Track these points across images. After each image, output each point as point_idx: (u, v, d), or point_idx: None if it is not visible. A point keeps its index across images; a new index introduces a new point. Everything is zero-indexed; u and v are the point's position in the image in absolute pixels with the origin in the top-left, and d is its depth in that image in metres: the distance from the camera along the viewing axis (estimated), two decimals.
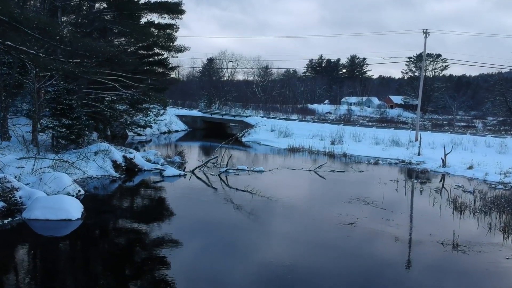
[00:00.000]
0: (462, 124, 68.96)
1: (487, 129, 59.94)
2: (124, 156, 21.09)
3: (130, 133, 38.11)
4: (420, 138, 31.42)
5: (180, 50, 29.87)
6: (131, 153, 21.71)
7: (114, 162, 20.40)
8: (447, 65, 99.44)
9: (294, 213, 14.99)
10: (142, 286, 9.24)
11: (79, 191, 15.58)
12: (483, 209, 16.16)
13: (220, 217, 14.30)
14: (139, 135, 39.30)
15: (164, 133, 44.09)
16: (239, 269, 10.34)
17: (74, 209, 12.90)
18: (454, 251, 11.59)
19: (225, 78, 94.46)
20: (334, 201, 16.75)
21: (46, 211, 12.65)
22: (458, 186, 20.77)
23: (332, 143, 34.89)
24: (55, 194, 14.11)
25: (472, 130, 52.57)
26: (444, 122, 70.97)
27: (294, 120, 48.56)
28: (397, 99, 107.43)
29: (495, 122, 72.48)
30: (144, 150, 31.37)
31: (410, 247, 12.04)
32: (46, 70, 20.24)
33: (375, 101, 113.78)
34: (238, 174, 21.51)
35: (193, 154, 30.62)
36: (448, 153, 26.22)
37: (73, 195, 14.87)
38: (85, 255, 10.85)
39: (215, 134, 44.72)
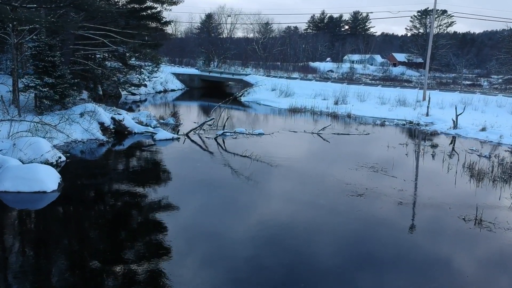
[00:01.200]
0: (467, 82, 66.84)
1: (493, 88, 57.95)
2: (112, 118, 19.53)
3: (123, 93, 36.37)
4: (429, 98, 29.73)
5: (173, 2, 27.72)
6: (120, 114, 20.14)
7: (101, 125, 18.86)
8: (453, 22, 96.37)
9: (296, 180, 13.60)
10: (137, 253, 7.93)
11: (60, 157, 14.12)
12: (503, 176, 14.77)
13: (215, 183, 12.95)
14: (133, 94, 37.55)
15: (160, 92, 42.30)
16: (237, 229, 9.74)
17: (49, 180, 11.47)
18: (478, 229, 10.21)
19: (224, 35, 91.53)
20: (339, 168, 15.30)
21: (18, 182, 11.22)
22: (472, 150, 19.32)
23: (336, 103, 33.22)
24: (30, 162, 12.66)
25: (478, 89, 50.68)
26: (449, 81, 68.77)
27: (295, 78, 46.59)
28: (400, 56, 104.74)
29: (500, 80, 70.33)
30: (139, 110, 29.86)
31: (429, 225, 10.66)
32: (27, 22, 18.43)
33: (378, 59, 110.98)
34: (235, 138, 20.01)
35: (189, 115, 29.05)
36: (460, 114, 24.62)
37: (52, 163, 13.44)
38: (61, 230, 9.49)
39: (213, 94, 42.94)
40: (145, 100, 37.28)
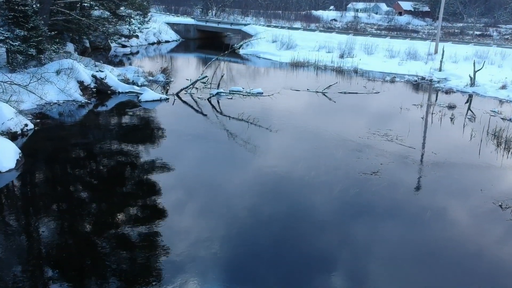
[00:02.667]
0: (477, 33, 63.60)
1: (504, 39, 54.96)
2: (93, 76, 17.44)
3: (113, 45, 33.91)
4: (443, 51, 27.36)
5: None
6: (102, 71, 18.01)
7: (80, 84, 16.79)
8: None
9: (297, 149, 11.76)
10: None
11: (26, 125, 12.22)
12: None
13: (207, 153, 11.13)
14: (124, 46, 35.04)
15: (153, 44, 39.61)
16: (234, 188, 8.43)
17: (5, 157, 9.61)
18: None
19: None
20: (348, 137, 13.36)
21: None
22: (494, 112, 17.35)
23: (341, 57, 30.82)
24: None
25: (489, 40, 47.89)
26: (456, 31, 65.49)
27: (297, 29, 43.74)
28: (406, 5, 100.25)
29: (511, 31, 66.97)
30: (130, 64, 27.66)
31: (461, 215, 8.91)
32: None
33: (383, 7, 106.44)
34: (231, 98, 17.99)
35: (182, 70, 26.84)
36: (478, 70, 22.40)
37: (15, 132, 11.57)
38: (11, 219, 7.75)
39: (210, 45, 40.35)
40: (137, 52, 34.82)
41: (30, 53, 17.58)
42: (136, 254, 6.90)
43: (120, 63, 28.18)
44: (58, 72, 16.41)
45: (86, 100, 16.09)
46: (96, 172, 10.47)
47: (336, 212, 8.73)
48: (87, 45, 30.09)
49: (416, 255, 7.25)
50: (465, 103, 19.53)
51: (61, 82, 16.04)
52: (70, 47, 25.38)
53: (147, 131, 13.65)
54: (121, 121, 14.78)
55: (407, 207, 8.89)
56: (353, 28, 54.83)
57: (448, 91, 21.97)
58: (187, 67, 28.96)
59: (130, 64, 27.62)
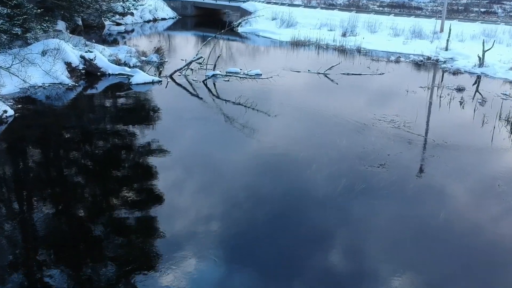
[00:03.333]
0: (482, 10, 61.86)
1: (509, 16, 53.45)
2: (82, 57, 16.46)
3: (107, 23, 32.67)
4: (450, 30, 26.21)
5: None
6: (92, 52, 17.00)
7: (68, 65, 15.84)
8: None
9: (297, 136, 10.91)
10: None
11: (5, 111, 11.33)
12: None
13: (202, 137, 10.33)
14: (118, 24, 33.77)
15: (149, 21, 38.24)
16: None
17: None
18: None
19: None
20: (352, 123, 12.46)
21: None
22: (506, 95, 16.42)
23: (344, 35, 29.65)
24: None
25: (494, 17, 46.45)
26: (460, 8, 63.77)
27: (298, 6, 42.36)
28: None
29: None
30: (125, 43, 26.56)
31: (479, 216, 8.11)
32: None
33: None
34: (228, 80, 17.03)
35: (177, 50, 25.80)
36: (488, 50, 21.36)
37: None
38: None
39: (208, 23, 39.00)
40: (132, 31, 33.59)
41: (15, 32, 16.57)
42: (133, 234, 6.79)
43: (114, 42, 27.09)
44: (43, 53, 15.43)
45: (74, 83, 15.15)
46: (80, 161, 9.64)
47: (337, 192, 8.37)
48: (80, 23, 28.92)
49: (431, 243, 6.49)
50: (474, 84, 18.58)
51: (47, 63, 15.06)
52: (61, 25, 24.22)
53: (137, 117, 12.76)
54: (109, 106, 13.89)
55: (416, 208, 8.09)
56: (355, 5, 53.24)
57: (456, 72, 20.98)
58: (183, 46, 27.85)
59: (125, 43, 26.52)
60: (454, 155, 10.31)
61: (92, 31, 29.66)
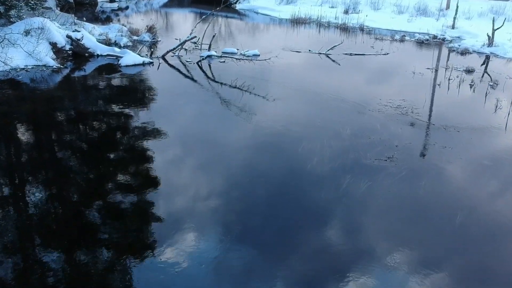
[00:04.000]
0: None
1: None
2: (68, 37, 15.46)
3: (100, 0, 31.50)
4: (457, 6, 25.06)
5: None
6: (79, 31, 15.99)
7: (53, 46, 14.86)
8: None
9: (297, 125, 10.04)
10: None
11: None
12: None
13: (194, 124, 9.45)
14: (112, 1, 32.64)
15: None
16: None
17: None
18: None
19: None
20: (356, 110, 11.56)
21: None
22: None
23: (346, 12, 28.51)
24: None
25: None
26: None
27: None
28: None
29: None
30: (118, 21, 25.45)
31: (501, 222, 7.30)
32: None
33: None
34: (224, 61, 16.07)
35: (171, 28, 24.70)
36: (498, 28, 20.32)
37: None
38: None
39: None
40: (126, 8, 32.38)
41: None
42: (129, 215, 6.42)
43: (106, 20, 26.01)
44: (26, 33, 14.43)
45: (59, 65, 14.18)
46: (70, 145, 8.81)
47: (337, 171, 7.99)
48: (71, 0, 27.76)
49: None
50: (483, 65, 17.65)
51: (30, 44, 14.09)
52: (50, 2, 23.10)
53: (124, 101, 11.82)
54: (96, 90, 12.93)
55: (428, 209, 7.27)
56: None
57: (464, 52, 19.98)
58: (178, 24, 26.75)
59: (118, 21, 25.40)
60: (467, 145, 9.47)
61: (84, 9, 28.51)
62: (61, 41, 15.14)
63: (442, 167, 8.27)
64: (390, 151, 8.74)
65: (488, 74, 15.95)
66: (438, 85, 14.29)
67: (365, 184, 7.41)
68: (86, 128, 9.99)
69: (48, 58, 14.16)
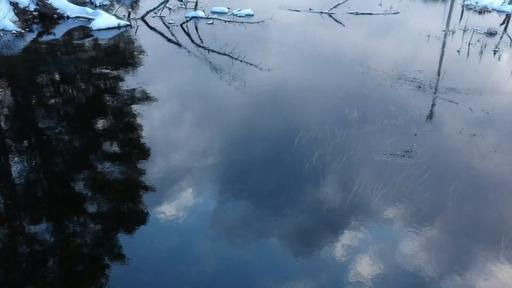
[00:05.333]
0: None
1: None
2: None
3: None
4: None
5: None
6: None
7: (15, 6, 12.90)
8: None
9: (294, 106, 8.36)
10: None
11: None
12: None
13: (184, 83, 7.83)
14: None
15: None
16: None
17: None
18: None
19: None
20: (364, 85, 9.77)
21: None
22: None
23: None
24: None
25: None
26: None
27: None
28: None
29: None
30: None
31: None
32: None
33: None
34: (212, 23, 14.11)
35: None
36: None
37: None
38: None
39: None
40: None
41: None
42: (120, 181, 5.72)
43: None
44: None
45: (20, 30, 12.27)
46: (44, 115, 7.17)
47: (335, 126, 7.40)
48: None
49: None
50: (502, 24, 15.70)
51: None
52: None
53: (96, 67, 10.04)
54: (62, 58, 11.09)
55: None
56: None
57: (482, 10, 17.98)
58: None
59: None
60: (503, 133, 7.78)
61: None
62: (25, 0, 13.16)
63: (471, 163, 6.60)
64: (408, 143, 7.06)
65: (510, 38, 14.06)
66: (458, 51, 12.44)
67: (363, 141, 5.81)
68: (60, 94, 8.28)
69: (7, 21, 12.22)
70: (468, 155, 6.79)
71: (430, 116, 8.13)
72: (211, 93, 8.76)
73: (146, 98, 8.28)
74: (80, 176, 5.72)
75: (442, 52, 12.21)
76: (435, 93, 9.15)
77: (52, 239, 4.60)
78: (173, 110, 8.02)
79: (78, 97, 8.66)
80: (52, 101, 8.25)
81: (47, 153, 6.44)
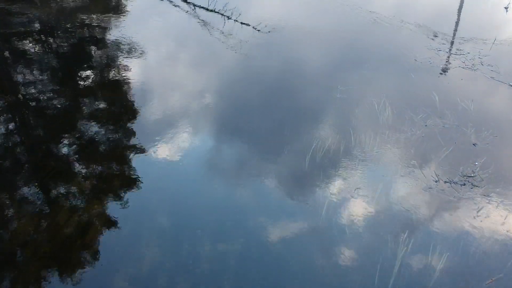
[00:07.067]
0: None
1: None
2: None
3: None
4: None
5: None
6: None
7: None
8: None
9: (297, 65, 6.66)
10: None
11: None
12: None
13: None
14: None
15: None
16: None
17: None
18: None
19: None
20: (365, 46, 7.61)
21: None
22: None
23: None
24: None
25: None
26: None
27: None
28: None
29: None
30: None
31: None
32: None
33: None
34: None
35: None
36: None
37: None
38: None
39: None
40: None
41: None
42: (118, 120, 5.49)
43: None
44: None
45: None
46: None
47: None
48: None
49: None
50: None
51: None
52: None
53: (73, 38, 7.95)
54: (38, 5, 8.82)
55: None
56: None
57: None
58: None
59: None
60: None
61: None
62: None
63: None
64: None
65: None
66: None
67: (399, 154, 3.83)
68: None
69: None
70: None
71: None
72: (202, 39, 7.89)
73: (132, 50, 7.40)
74: (64, 136, 5.20)
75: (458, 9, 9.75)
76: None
77: (37, 207, 4.22)
78: (162, 60, 7.29)
79: (60, 48, 7.48)
80: (31, 52, 7.16)
81: (26, 112, 5.81)
